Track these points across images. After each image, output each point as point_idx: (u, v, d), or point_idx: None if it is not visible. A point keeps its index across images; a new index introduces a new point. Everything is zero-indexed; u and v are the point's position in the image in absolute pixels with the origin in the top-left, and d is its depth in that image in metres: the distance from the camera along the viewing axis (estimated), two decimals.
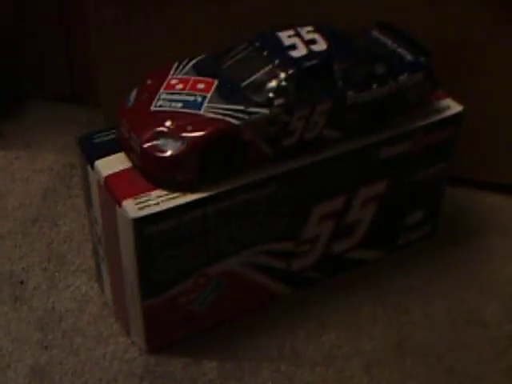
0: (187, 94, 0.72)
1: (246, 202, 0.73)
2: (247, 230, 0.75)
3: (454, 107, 0.82)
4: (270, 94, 0.71)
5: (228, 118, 0.70)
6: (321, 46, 0.74)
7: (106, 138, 0.76)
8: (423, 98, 0.80)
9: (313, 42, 0.75)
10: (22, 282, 0.85)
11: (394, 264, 0.87)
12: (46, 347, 0.78)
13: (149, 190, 0.70)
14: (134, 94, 0.75)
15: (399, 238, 0.88)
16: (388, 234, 0.87)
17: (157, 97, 0.73)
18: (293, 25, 0.77)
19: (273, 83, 0.72)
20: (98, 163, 0.72)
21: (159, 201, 0.69)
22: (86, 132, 0.79)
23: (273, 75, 0.72)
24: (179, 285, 0.74)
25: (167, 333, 0.77)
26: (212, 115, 0.70)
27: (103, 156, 0.73)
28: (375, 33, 0.83)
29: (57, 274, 0.86)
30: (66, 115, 1.09)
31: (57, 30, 1.07)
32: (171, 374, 0.76)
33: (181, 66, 0.76)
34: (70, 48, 1.08)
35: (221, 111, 0.70)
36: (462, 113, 0.81)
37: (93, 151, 0.74)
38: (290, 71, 0.72)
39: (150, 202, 0.69)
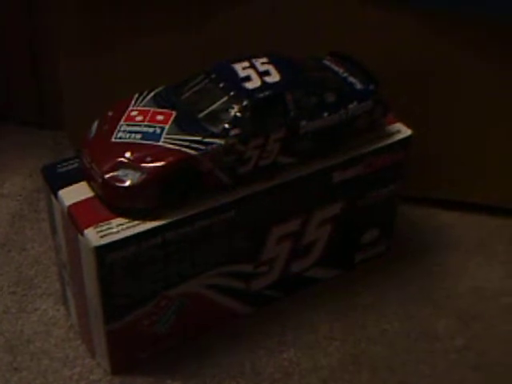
0: (146, 126, 0.75)
1: (205, 227, 0.76)
2: (207, 254, 0.78)
3: (403, 131, 0.86)
4: (226, 125, 0.75)
5: (185, 149, 0.73)
6: (274, 77, 0.78)
7: (70, 168, 0.79)
8: (373, 124, 0.83)
9: (266, 73, 0.78)
10: None
11: (351, 281, 0.91)
12: (16, 369, 0.81)
13: (110, 219, 0.73)
14: (95, 125, 0.78)
15: (355, 256, 0.92)
16: (344, 252, 0.91)
17: (117, 128, 0.76)
18: (248, 56, 0.80)
19: (228, 114, 0.75)
20: (61, 193, 0.75)
21: (120, 229, 0.72)
22: (52, 156, 0.81)
23: (228, 106, 0.75)
24: (141, 308, 0.76)
25: (131, 354, 0.80)
26: (170, 146, 0.73)
27: (66, 185, 0.76)
28: (327, 61, 0.86)
29: (25, 297, 0.88)
30: (33, 140, 1.11)
31: (25, 56, 1.09)
32: None
33: (141, 98, 0.79)
34: (38, 73, 1.10)
35: (179, 142, 0.73)
36: (411, 137, 0.85)
37: (56, 181, 0.77)
38: (245, 102, 0.75)
39: (111, 230, 0.72)
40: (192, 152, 0.73)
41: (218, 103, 0.76)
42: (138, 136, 0.75)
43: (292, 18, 0.92)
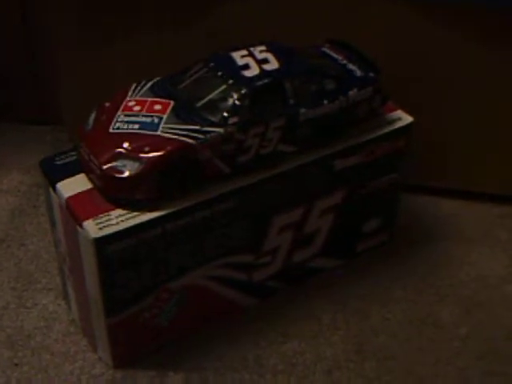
0: (144, 116, 0.75)
1: (205, 218, 0.75)
2: (207, 245, 0.77)
3: (404, 119, 0.85)
4: (225, 114, 0.74)
5: (184, 138, 0.72)
6: (273, 65, 0.77)
7: (68, 160, 0.78)
8: (373, 112, 0.82)
9: (265, 61, 0.77)
10: None
11: (353, 271, 0.90)
12: (16, 365, 0.80)
13: (109, 210, 0.72)
14: (92, 116, 0.77)
15: (357, 245, 0.91)
16: (346, 242, 0.90)
17: (115, 119, 0.75)
18: (246, 45, 0.79)
19: (227, 103, 0.74)
20: (60, 185, 0.74)
21: (119, 220, 0.71)
22: (51, 151, 0.81)
23: (227, 95, 0.75)
24: (142, 301, 0.76)
25: (132, 347, 0.79)
26: (169, 135, 0.72)
27: (64, 178, 0.75)
28: (326, 49, 0.86)
29: (25, 292, 0.88)
30: (31, 135, 1.11)
31: (22, 52, 1.08)
32: None
33: (138, 88, 0.78)
34: (36, 69, 1.09)
35: (177, 131, 0.73)
36: (411, 124, 0.85)
37: (54, 174, 0.76)
38: (244, 91, 0.74)
39: (111, 222, 0.71)
40: (191, 141, 0.72)
41: (217, 92, 0.75)
42: (136, 126, 0.74)
43: (291, 10, 0.91)
